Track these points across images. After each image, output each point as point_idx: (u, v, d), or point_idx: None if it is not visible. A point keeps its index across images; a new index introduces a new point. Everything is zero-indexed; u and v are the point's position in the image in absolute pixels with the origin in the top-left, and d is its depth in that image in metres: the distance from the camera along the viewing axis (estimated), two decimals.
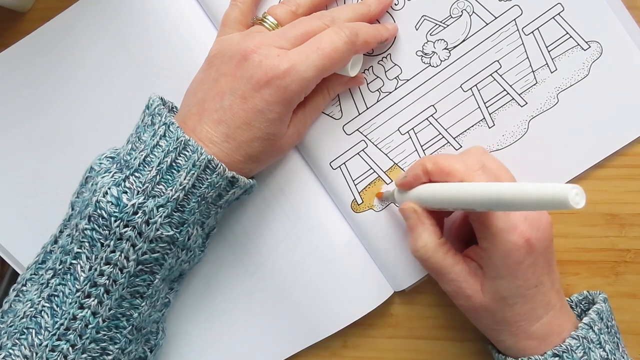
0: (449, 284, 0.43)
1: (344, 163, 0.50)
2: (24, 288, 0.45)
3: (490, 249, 0.41)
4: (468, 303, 0.43)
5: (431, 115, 0.50)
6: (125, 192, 0.42)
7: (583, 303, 0.47)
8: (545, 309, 0.42)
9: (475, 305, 0.43)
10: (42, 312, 0.42)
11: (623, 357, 0.43)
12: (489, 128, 0.49)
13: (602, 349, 0.42)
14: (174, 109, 0.48)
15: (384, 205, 0.50)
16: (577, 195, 0.32)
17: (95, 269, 0.42)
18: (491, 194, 0.37)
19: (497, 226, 0.41)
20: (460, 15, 0.49)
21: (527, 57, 0.48)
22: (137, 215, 0.41)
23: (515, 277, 0.41)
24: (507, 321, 0.43)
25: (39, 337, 0.41)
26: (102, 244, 0.42)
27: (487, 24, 0.49)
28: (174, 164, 0.42)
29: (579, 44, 0.48)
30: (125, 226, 0.41)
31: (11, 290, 0.45)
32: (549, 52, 0.48)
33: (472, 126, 0.49)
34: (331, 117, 0.50)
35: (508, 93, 0.49)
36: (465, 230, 0.47)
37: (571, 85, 0.48)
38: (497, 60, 0.49)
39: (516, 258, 0.41)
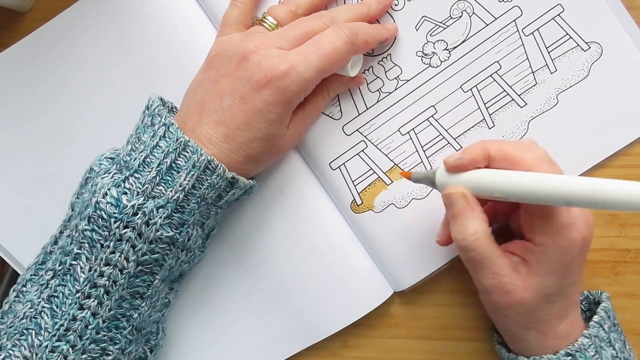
0: (491, 277, 0.41)
1: (344, 163, 0.50)
2: (24, 289, 0.45)
3: (548, 245, 0.40)
4: (505, 299, 0.41)
5: (431, 116, 0.50)
6: (125, 193, 0.42)
7: (584, 303, 0.47)
8: (573, 308, 0.42)
9: (513, 302, 0.41)
10: (42, 312, 0.42)
11: (630, 355, 0.43)
12: (489, 129, 0.49)
13: (612, 347, 0.42)
14: (174, 110, 0.48)
15: (384, 206, 0.50)
16: None
17: (95, 270, 0.42)
18: (577, 189, 0.35)
19: (560, 222, 0.39)
20: (460, 16, 0.49)
21: (527, 58, 0.48)
22: (137, 216, 0.41)
23: (565, 274, 0.40)
24: (540, 319, 0.41)
25: (39, 337, 0.41)
26: (101, 245, 0.42)
27: (487, 25, 0.49)
28: (173, 165, 0.42)
29: (579, 45, 0.48)
30: (125, 227, 0.41)
31: (11, 290, 0.45)
32: (548, 52, 0.48)
33: (473, 127, 0.49)
34: (331, 117, 0.50)
35: (508, 94, 0.49)
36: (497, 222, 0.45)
37: (571, 86, 0.48)
38: (497, 61, 0.49)
39: (572, 255, 0.40)
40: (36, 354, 0.41)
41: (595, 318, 0.43)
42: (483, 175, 0.40)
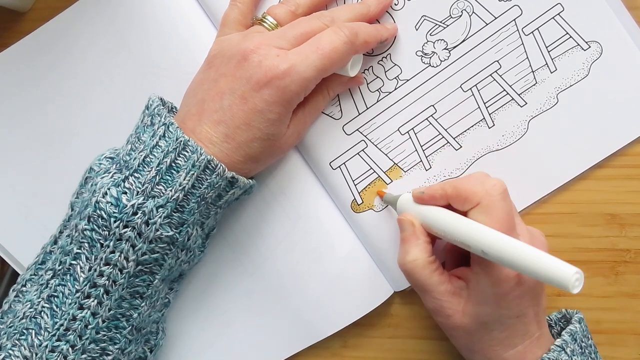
0: (431, 301, 0.43)
1: (344, 163, 0.50)
2: (24, 289, 0.45)
3: (481, 275, 0.41)
4: (447, 321, 0.43)
5: (431, 116, 0.50)
6: (125, 193, 0.42)
7: (562, 321, 0.47)
8: (523, 338, 0.42)
9: (454, 325, 0.43)
10: (42, 312, 0.42)
11: None
12: (489, 128, 0.49)
13: None
14: (174, 110, 0.48)
15: (384, 206, 0.50)
16: (577, 281, 0.35)
17: (95, 270, 0.42)
18: (499, 250, 0.38)
19: None
20: (460, 16, 0.49)
21: (527, 57, 0.48)
22: (137, 216, 0.41)
23: (499, 306, 0.41)
24: (482, 344, 0.43)
25: (39, 337, 0.41)
26: (101, 245, 0.42)
27: (487, 24, 0.49)
28: (173, 165, 0.42)
29: (578, 44, 0.48)
30: (125, 227, 0.41)
31: (11, 290, 0.45)
32: (548, 52, 0.48)
33: (472, 126, 0.49)
34: (331, 117, 0.50)
35: (508, 93, 0.49)
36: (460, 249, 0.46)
37: (571, 86, 0.48)
38: (497, 61, 0.49)
39: (505, 289, 0.40)
40: (36, 354, 0.41)
41: (557, 342, 0.43)
42: (431, 212, 0.43)
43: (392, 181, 0.50)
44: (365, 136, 0.50)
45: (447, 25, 0.49)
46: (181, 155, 0.42)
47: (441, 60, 0.49)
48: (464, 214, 0.42)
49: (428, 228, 0.44)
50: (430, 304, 0.43)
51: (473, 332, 0.42)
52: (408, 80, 0.50)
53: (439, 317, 0.44)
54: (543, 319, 0.44)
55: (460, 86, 0.49)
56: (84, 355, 0.42)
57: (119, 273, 0.42)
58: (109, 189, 0.42)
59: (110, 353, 0.44)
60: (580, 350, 0.43)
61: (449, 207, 0.43)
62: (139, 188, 0.42)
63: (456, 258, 0.46)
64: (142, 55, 0.51)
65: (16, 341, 0.42)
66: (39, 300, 0.42)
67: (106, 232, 0.41)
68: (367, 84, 0.50)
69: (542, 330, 0.43)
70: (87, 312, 0.42)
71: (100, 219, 0.41)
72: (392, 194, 0.49)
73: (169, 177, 0.42)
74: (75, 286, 0.42)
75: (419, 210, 0.44)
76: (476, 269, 0.41)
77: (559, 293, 0.49)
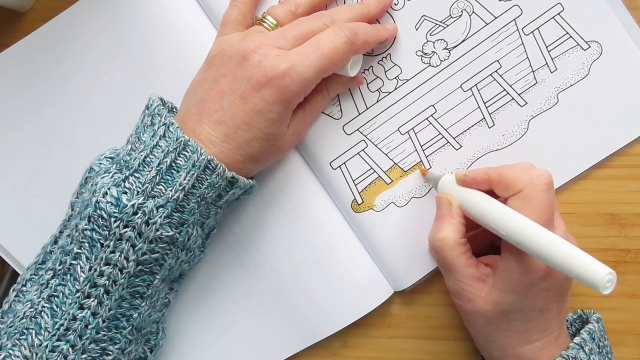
0: (454, 282, 0.43)
1: (344, 163, 0.50)
2: (24, 288, 0.45)
3: (511, 262, 0.41)
4: (466, 305, 0.43)
5: (431, 115, 0.50)
6: (125, 193, 0.42)
7: (578, 322, 0.47)
8: (542, 334, 0.42)
9: (473, 310, 0.43)
10: (42, 312, 0.42)
11: None
12: (489, 128, 0.49)
13: None
14: (174, 110, 0.48)
15: (384, 206, 0.50)
16: (609, 282, 0.35)
17: (95, 270, 0.42)
18: (533, 241, 0.38)
19: None
20: (460, 15, 0.49)
21: (527, 57, 0.48)
22: (137, 216, 0.41)
23: (525, 296, 0.41)
24: (499, 333, 0.43)
25: (39, 337, 0.41)
26: (101, 245, 0.42)
27: (487, 24, 0.49)
28: (173, 165, 0.42)
29: (578, 44, 0.48)
30: (125, 226, 0.41)
31: (11, 290, 0.45)
32: (548, 52, 0.48)
33: (472, 126, 0.49)
34: (331, 117, 0.50)
35: (508, 93, 0.49)
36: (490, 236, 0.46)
37: (571, 85, 0.48)
38: (497, 60, 0.49)
39: (533, 278, 0.40)
40: (36, 354, 0.41)
41: (576, 339, 0.43)
42: (470, 195, 0.44)
43: (392, 181, 0.50)
44: (365, 136, 0.50)
45: (447, 25, 0.49)
46: (181, 155, 0.42)
47: (441, 60, 0.49)
48: (505, 201, 0.42)
49: (465, 211, 0.44)
50: (452, 284, 0.43)
51: (492, 319, 0.42)
52: (408, 80, 0.50)
53: (458, 299, 0.44)
54: (564, 320, 0.44)
55: (460, 86, 0.49)
56: (84, 355, 0.42)
57: (119, 273, 0.42)
58: (109, 188, 0.42)
59: (111, 353, 0.44)
60: (598, 349, 0.43)
61: (490, 193, 0.43)
62: (139, 188, 0.42)
63: (484, 247, 0.46)
64: (141, 55, 0.51)
65: (16, 341, 0.42)
66: (39, 300, 0.42)
67: (106, 232, 0.41)
68: (367, 84, 0.50)
69: (562, 330, 0.43)
70: (87, 312, 0.42)
71: (100, 219, 0.41)
72: (434, 173, 0.49)
73: (169, 177, 0.42)
74: (76, 286, 0.42)
75: (459, 192, 0.44)
76: (506, 255, 0.41)
77: None
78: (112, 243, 0.41)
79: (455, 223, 0.43)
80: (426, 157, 0.50)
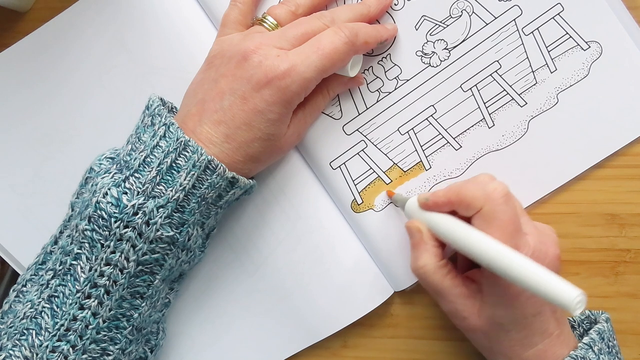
0: (447, 304, 0.43)
1: (344, 163, 0.50)
2: (24, 289, 0.45)
3: (492, 277, 0.41)
4: (463, 324, 0.43)
5: (431, 115, 0.50)
6: (125, 193, 0.42)
7: (585, 323, 0.47)
8: (542, 336, 0.42)
9: (471, 327, 0.43)
10: (42, 312, 0.42)
11: None
12: (489, 128, 0.49)
13: None
14: (174, 110, 0.48)
15: (384, 205, 0.50)
16: (580, 303, 0.35)
17: (96, 270, 0.42)
18: (501, 266, 0.38)
19: None
20: (460, 16, 0.49)
21: (527, 57, 0.48)
22: (137, 216, 0.41)
23: (513, 306, 0.41)
24: (501, 345, 0.43)
25: (39, 337, 0.41)
26: (102, 245, 0.42)
27: (487, 24, 0.49)
28: (174, 165, 0.42)
29: (578, 44, 0.48)
30: (126, 227, 0.41)
31: (11, 290, 0.45)
32: (548, 52, 0.48)
33: (472, 126, 0.49)
34: (331, 117, 0.50)
35: (508, 93, 0.49)
36: None
37: (571, 85, 0.48)
38: (497, 60, 0.49)
39: (516, 289, 0.40)
40: (36, 354, 0.41)
41: (585, 339, 0.42)
42: (435, 220, 0.44)
43: (391, 181, 0.50)
44: (365, 136, 0.50)
45: (447, 25, 0.49)
46: (182, 156, 0.42)
47: (441, 60, 0.49)
48: (470, 219, 0.42)
49: (435, 234, 0.44)
50: (445, 307, 0.44)
51: (490, 333, 0.42)
52: (408, 80, 0.50)
53: (455, 319, 0.44)
54: (562, 317, 0.43)
55: (460, 86, 0.49)
56: (84, 356, 0.42)
57: (120, 273, 0.42)
58: (109, 189, 0.42)
59: (111, 353, 0.44)
60: (607, 349, 0.43)
61: (456, 212, 0.43)
62: (140, 188, 0.42)
63: (470, 259, 0.46)
64: (142, 55, 0.51)
65: (17, 341, 0.42)
66: (40, 300, 0.42)
67: (107, 232, 0.41)
68: (367, 84, 0.50)
69: (562, 328, 0.43)
70: (87, 312, 0.42)
71: (100, 219, 0.41)
72: (401, 195, 0.49)
73: (169, 177, 0.42)
74: (76, 286, 0.42)
75: (424, 216, 0.44)
76: (486, 272, 0.41)
77: None
78: (112, 243, 0.41)
79: (429, 248, 0.43)
80: (426, 157, 0.50)
